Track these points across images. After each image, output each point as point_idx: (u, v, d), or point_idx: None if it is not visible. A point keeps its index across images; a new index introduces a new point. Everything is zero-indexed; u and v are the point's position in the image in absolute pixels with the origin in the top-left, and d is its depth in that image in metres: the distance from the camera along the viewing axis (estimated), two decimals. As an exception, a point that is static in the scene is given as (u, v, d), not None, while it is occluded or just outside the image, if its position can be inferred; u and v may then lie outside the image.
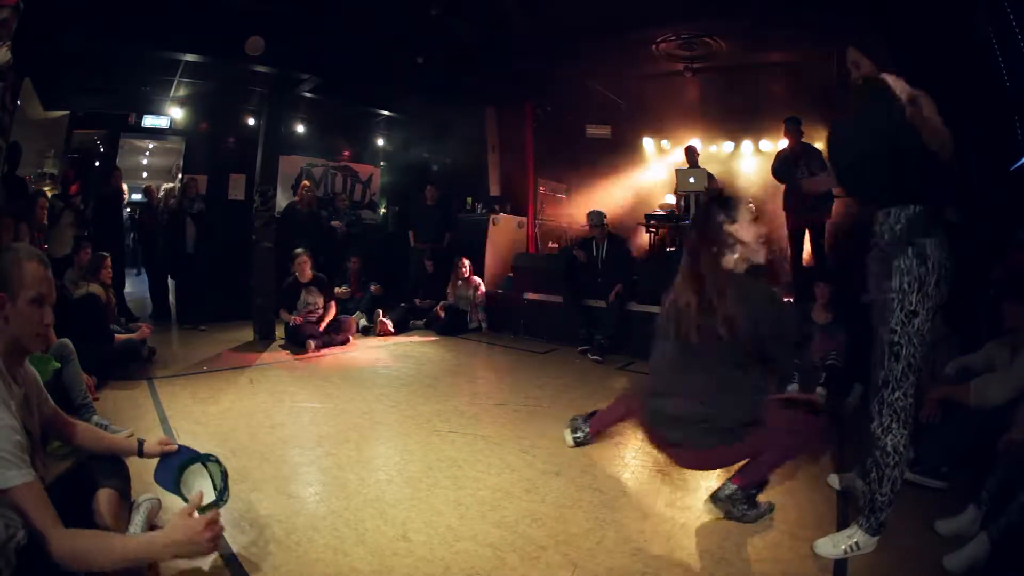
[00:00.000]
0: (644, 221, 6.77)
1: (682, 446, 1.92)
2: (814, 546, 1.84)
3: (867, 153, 1.84)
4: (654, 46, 6.12)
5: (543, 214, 7.80)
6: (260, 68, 5.04)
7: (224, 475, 1.74)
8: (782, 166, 5.48)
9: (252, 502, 2.04)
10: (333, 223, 6.75)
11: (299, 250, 5.01)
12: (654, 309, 2.04)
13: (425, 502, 2.11)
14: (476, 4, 5.35)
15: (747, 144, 7.64)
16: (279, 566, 1.67)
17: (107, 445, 1.73)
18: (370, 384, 3.82)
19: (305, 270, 4.97)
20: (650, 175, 8.22)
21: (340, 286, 5.84)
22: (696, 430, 1.83)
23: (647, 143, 8.29)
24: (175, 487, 1.70)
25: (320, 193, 7.51)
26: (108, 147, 6.79)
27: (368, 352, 4.89)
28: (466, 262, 5.99)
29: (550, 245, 7.66)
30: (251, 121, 6.82)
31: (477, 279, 6.04)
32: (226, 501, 1.74)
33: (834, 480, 2.35)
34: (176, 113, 6.64)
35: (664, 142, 8.26)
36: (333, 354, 4.71)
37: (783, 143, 5.63)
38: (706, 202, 2.03)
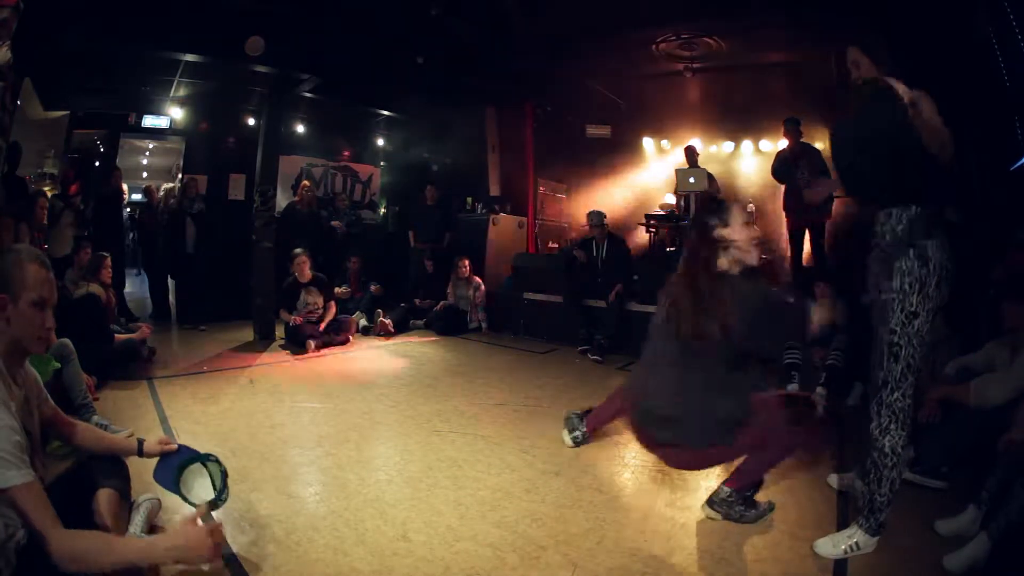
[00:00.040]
0: (644, 221, 6.77)
1: (672, 446, 1.92)
2: (814, 546, 1.84)
3: (868, 153, 1.84)
4: (654, 46, 6.12)
5: (543, 214, 7.81)
6: (260, 68, 5.04)
7: (224, 475, 1.75)
8: (782, 166, 5.48)
9: (252, 502, 2.04)
10: (333, 223, 6.74)
11: (298, 250, 5.01)
12: (654, 309, 2.04)
13: (425, 502, 2.11)
14: (476, 4, 5.35)
15: (747, 144, 7.64)
16: (279, 566, 1.67)
17: (107, 445, 1.73)
18: (370, 384, 3.82)
19: (304, 270, 4.97)
20: (650, 175, 8.22)
21: (340, 286, 5.84)
22: (686, 430, 1.83)
23: (647, 143, 8.30)
24: (175, 486, 1.70)
25: (320, 193, 7.51)
26: (108, 147, 6.79)
27: (368, 352, 4.89)
28: (466, 262, 5.98)
29: (550, 245, 7.66)
30: (251, 121, 6.82)
31: (477, 279, 6.04)
32: (225, 501, 1.74)
33: (834, 480, 2.35)
34: (176, 113, 6.64)
35: (664, 142, 8.26)
36: (333, 354, 4.71)
37: (783, 143, 5.64)
38: (699, 206, 2.05)
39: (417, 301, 6.15)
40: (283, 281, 5.07)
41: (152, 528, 1.75)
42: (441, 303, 5.97)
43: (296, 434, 2.82)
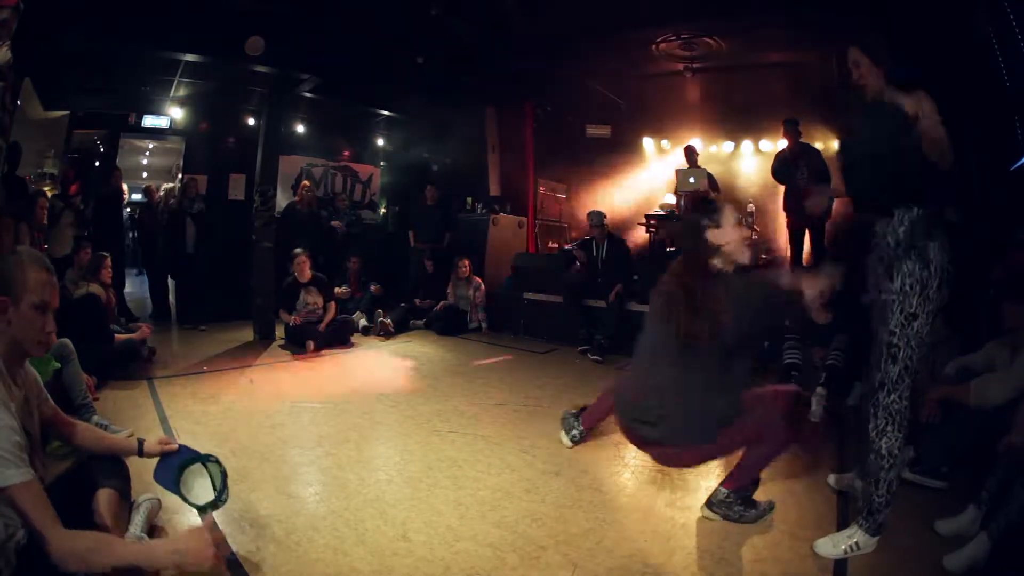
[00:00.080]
0: (644, 221, 6.77)
1: (661, 444, 1.91)
2: (814, 546, 1.84)
3: (869, 154, 1.84)
4: (654, 46, 6.12)
5: (543, 214, 7.81)
6: (260, 68, 5.04)
7: (224, 476, 1.75)
8: (781, 167, 5.49)
9: (252, 502, 2.04)
10: (333, 223, 6.74)
11: (298, 250, 5.01)
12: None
13: (425, 502, 2.11)
14: (476, 4, 5.35)
15: (747, 144, 7.64)
16: (279, 566, 1.67)
17: (107, 445, 1.73)
18: (370, 384, 3.82)
19: (304, 270, 4.96)
20: (650, 175, 8.22)
21: (340, 286, 5.84)
22: (675, 428, 1.83)
23: (647, 143, 8.29)
24: (175, 487, 1.70)
25: (320, 193, 7.50)
26: (108, 147, 6.78)
27: (368, 352, 4.89)
28: (466, 262, 5.98)
29: (550, 245, 7.66)
30: (251, 121, 6.82)
31: (478, 279, 6.04)
32: (225, 501, 1.74)
33: (834, 480, 2.34)
34: (176, 113, 6.64)
35: (664, 142, 8.26)
36: (333, 354, 4.71)
37: (782, 143, 5.64)
38: (690, 206, 2.06)
39: (417, 301, 6.14)
40: (283, 281, 5.07)
41: (152, 528, 1.75)
42: (441, 303, 5.97)
43: (296, 434, 2.82)
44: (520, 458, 2.58)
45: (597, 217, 5.30)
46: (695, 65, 6.42)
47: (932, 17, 3.69)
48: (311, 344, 4.67)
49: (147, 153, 10.08)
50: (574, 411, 2.79)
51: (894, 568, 1.78)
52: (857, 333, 3.43)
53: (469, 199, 7.42)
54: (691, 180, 6.11)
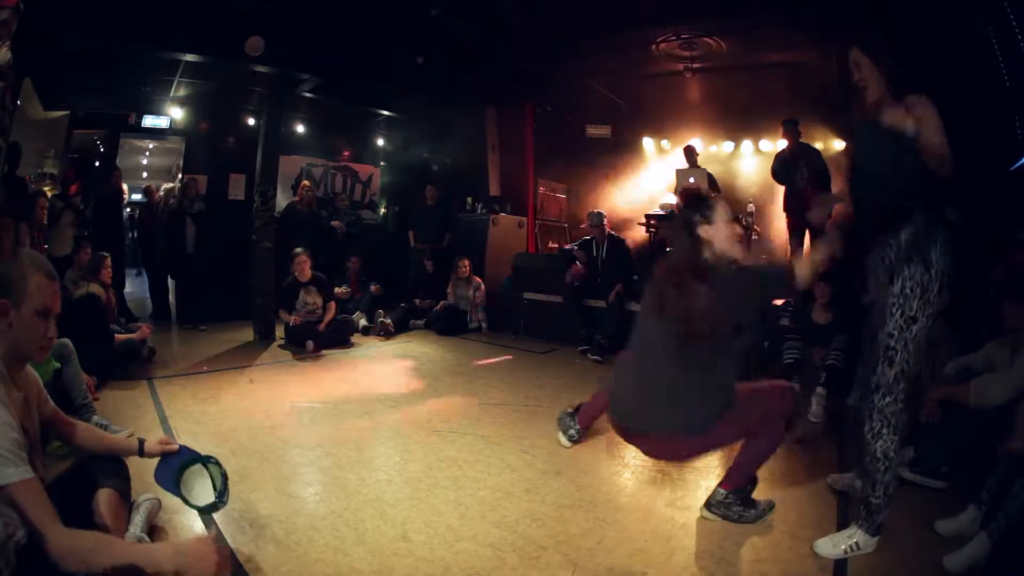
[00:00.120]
0: (644, 221, 6.77)
1: (653, 435, 1.90)
2: (814, 546, 1.84)
3: (871, 176, 1.83)
4: (654, 46, 6.12)
5: (543, 214, 7.80)
6: (260, 68, 5.04)
7: (224, 478, 1.75)
8: (781, 167, 5.49)
9: (252, 502, 2.04)
10: (333, 223, 6.74)
11: (299, 249, 5.02)
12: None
13: (425, 502, 2.11)
14: (476, 4, 5.36)
15: (747, 144, 7.64)
16: (279, 566, 1.67)
17: (107, 445, 1.73)
18: (370, 384, 3.82)
19: (304, 270, 4.96)
20: (650, 175, 8.22)
21: (340, 286, 5.84)
22: (667, 418, 1.81)
23: (647, 143, 8.29)
24: (175, 487, 1.70)
25: (320, 193, 7.50)
26: (108, 147, 6.79)
27: (368, 352, 4.89)
28: (466, 262, 5.98)
29: (550, 245, 7.66)
30: (251, 121, 6.82)
31: (478, 279, 6.04)
32: (225, 503, 1.74)
33: (834, 480, 2.34)
34: (176, 113, 6.64)
35: (664, 142, 8.26)
36: (333, 354, 4.71)
37: (782, 143, 5.64)
38: (684, 202, 2.06)
39: (417, 301, 6.14)
40: (283, 281, 5.07)
41: (152, 528, 1.75)
42: (441, 303, 5.97)
43: (296, 434, 2.83)
44: (520, 458, 2.58)
45: (597, 217, 5.30)
46: (695, 65, 6.42)
47: (932, 17, 3.69)
48: (311, 344, 4.67)
49: (147, 153, 10.08)
50: (569, 410, 2.80)
51: (894, 568, 1.77)
52: (857, 333, 3.44)
53: (469, 199, 7.42)
54: (691, 180, 6.11)
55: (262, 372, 4.04)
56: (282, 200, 6.63)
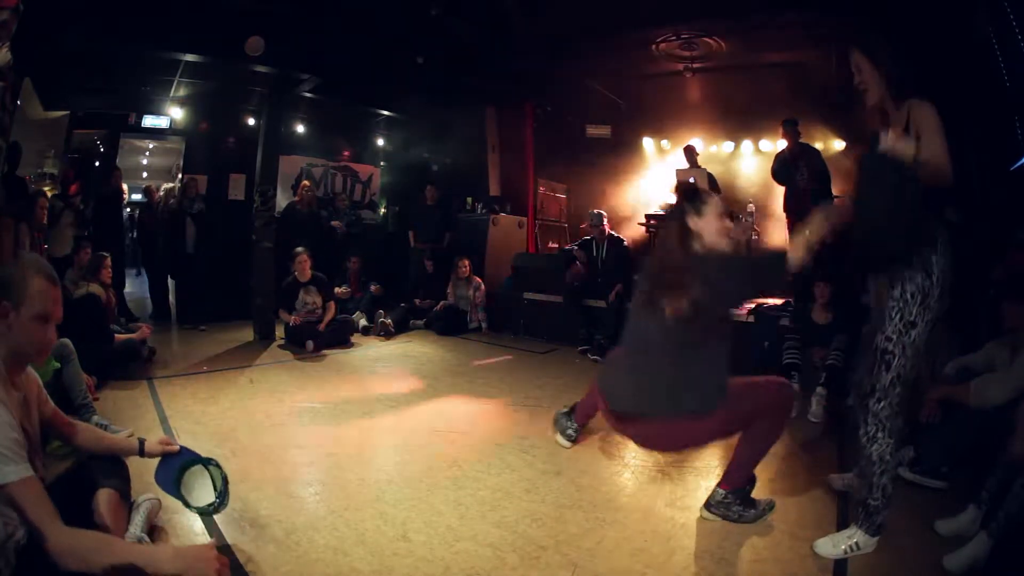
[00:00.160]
0: (644, 221, 6.77)
1: (644, 420, 1.89)
2: (814, 546, 1.83)
3: (874, 212, 1.81)
4: (654, 46, 6.11)
5: (543, 214, 7.80)
6: (260, 68, 5.04)
7: (224, 480, 1.75)
8: (781, 168, 5.48)
9: (252, 502, 2.04)
10: (333, 223, 6.74)
11: (299, 249, 5.02)
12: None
13: (425, 502, 2.11)
14: (476, 4, 5.35)
15: (747, 144, 7.64)
16: (279, 566, 1.67)
17: (107, 445, 1.73)
18: (370, 384, 3.82)
19: (305, 269, 4.96)
20: (650, 175, 8.22)
21: (340, 286, 5.84)
22: (661, 400, 1.80)
23: (647, 143, 8.29)
24: (175, 488, 1.70)
25: (320, 193, 7.50)
26: (108, 147, 6.78)
27: (368, 352, 4.89)
28: (466, 262, 5.98)
29: (550, 245, 7.66)
30: (251, 121, 6.82)
31: (478, 279, 6.04)
32: (225, 506, 1.74)
33: (834, 480, 2.34)
34: (176, 113, 6.64)
35: (664, 142, 8.26)
36: (333, 354, 4.71)
37: (782, 143, 5.64)
38: (677, 195, 2.04)
39: (417, 301, 6.15)
40: (283, 281, 5.07)
41: (152, 528, 1.75)
42: (441, 303, 5.97)
43: (296, 434, 2.83)
44: (520, 458, 2.58)
45: (597, 217, 5.30)
46: (695, 65, 6.42)
47: (932, 17, 3.69)
48: (311, 344, 4.67)
49: (147, 153, 10.08)
50: (565, 410, 2.79)
51: (894, 568, 1.77)
52: (857, 333, 3.44)
53: (469, 199, 7.42)
54: (691, 180, 6.11)
55: (262, 372, 4.04)
56: (282, 200, 6.63)
